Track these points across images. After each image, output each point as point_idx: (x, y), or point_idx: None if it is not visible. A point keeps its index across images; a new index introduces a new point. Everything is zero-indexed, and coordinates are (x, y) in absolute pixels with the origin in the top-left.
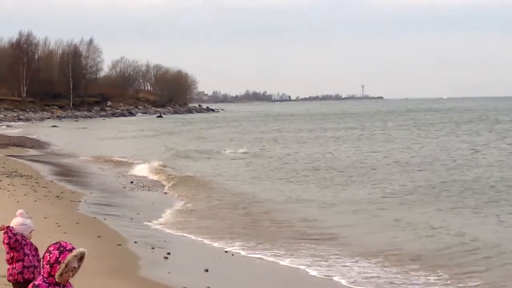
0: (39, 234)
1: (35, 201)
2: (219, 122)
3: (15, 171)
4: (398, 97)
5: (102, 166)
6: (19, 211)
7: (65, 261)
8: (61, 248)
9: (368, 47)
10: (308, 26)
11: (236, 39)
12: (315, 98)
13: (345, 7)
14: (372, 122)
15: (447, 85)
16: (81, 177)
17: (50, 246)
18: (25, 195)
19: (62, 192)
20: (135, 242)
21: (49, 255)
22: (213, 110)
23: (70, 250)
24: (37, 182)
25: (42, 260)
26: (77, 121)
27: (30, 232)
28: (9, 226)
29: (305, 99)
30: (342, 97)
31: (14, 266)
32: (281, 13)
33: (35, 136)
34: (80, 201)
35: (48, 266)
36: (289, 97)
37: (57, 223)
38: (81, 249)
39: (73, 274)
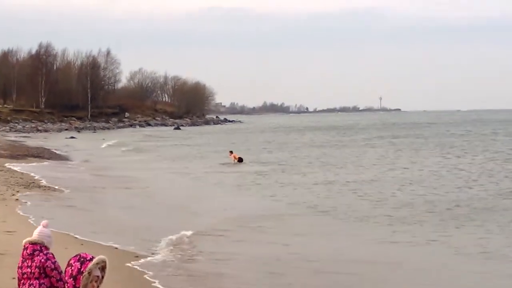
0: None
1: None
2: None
3: (33, 182)
4: (416, 109)
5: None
6: (44, 221)
7: (87, 269)
8: (82, 259)
9: (386, 58)
10: (325, 37)
11: (254, 50)
12: (333, 110)
13: (363, 18)
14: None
15: (466, 97)
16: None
17: (70, 260)
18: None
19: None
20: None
21: (71, 268)
22: (230, 122)
23: (91, 260)
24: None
25: (64, 275)
26: (95, 132)
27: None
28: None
29: (322, 111)
30: (360, 109)
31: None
32: (298, 23)
33: (53, 147)
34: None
35: (72, 279)
36: (307, 108)
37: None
38: (102, 257)
39: (98, 285)
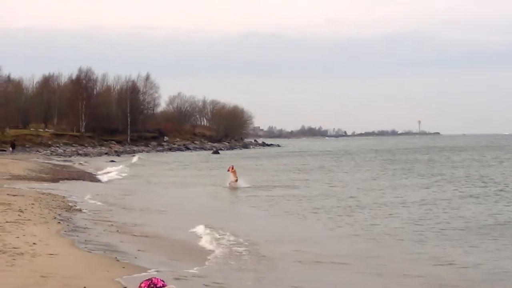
0: None
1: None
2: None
3: (74, 205)
4: (455, 133)
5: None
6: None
7: None
8: (152, 285)
9: (425, 82)
10: (363, 61)
11: (292, 74)
12: (371, 134)
13: (402, 43)
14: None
15: (507, 121)
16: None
17: (141, 283)
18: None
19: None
20: None
21: None
22: (268, 145)
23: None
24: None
25: None
26: (134, 155)
27: None
28: None
29: (360, 134)
30: (398, 132)
31: None
32: (334, 47)
33: (93, 170)
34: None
35: None
36: (345, 132)
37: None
38: (173, 286)
39: None
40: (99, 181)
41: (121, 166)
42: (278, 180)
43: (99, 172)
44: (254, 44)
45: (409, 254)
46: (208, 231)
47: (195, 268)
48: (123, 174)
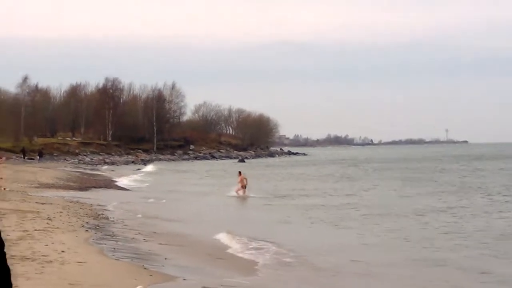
0: None
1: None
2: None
3: (102, 213)
4: (484, 141)
5: None
6: (139, 286)
7: None
8: None
9: (452, 90)
10: (389, 69)
11: (317, 82)
12: (398, 142)
13: (426, 48)
14: None
15: None
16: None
17: None
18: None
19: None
20: None
21: None
22: (294, 154)
23: None
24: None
25: None
26: (148, 164)
27: None
28: None
29: (387, 143)
30: (426, 141)
31: None
32: (358, 54)
33: (119, 179)
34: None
35: None
36: (371, 140)
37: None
38: None
39: None
40: (125, 189)
41: (143, 174)
42: (304, 189)
43: (124, 180)
44: (281, 52)
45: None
46: (234, 238)
47: (245, 278)
48: (147, 183)
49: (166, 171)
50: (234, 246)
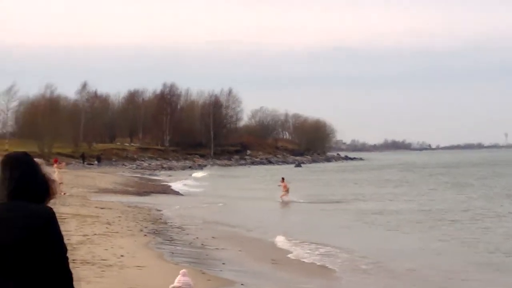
0: None
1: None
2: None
3: (159, 218)
4: None
5: None
6: (182, 270)
7: None
8: None
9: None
10: (447, 72)
11: (376, 86)
12: (456, 147)
13: (486, 52)
14: None
15: None
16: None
17: None
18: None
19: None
20: None
21: None
22: (351, 159)
23: None
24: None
25: None
26: (217, 169)
27: None
28: None
29: (445, 147)
30: (485, 145)
31: None
32: (416, 58)
33: (176, 184)
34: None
35: None
36: (429, 145)
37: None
38: None
39: None
40: (182, 194)
41: (199, 179)
42: (362, 194)
43: (181, 186)
44: (337, 57)
45: None
46: (294, 243)
47: (328, 284)
48: (203, 188)
49: (221, 176)
50: (296, 251)
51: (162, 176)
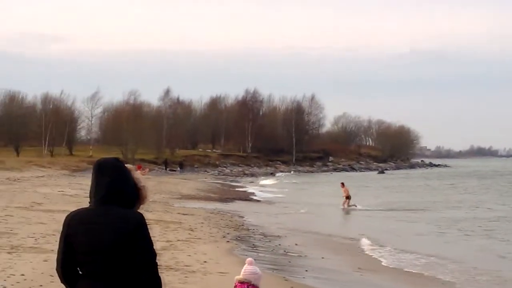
0: None
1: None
2: None
3: (242, 225)
4: None
5: None
6: (248, 259)
7: None
8: None
9: None
10: None
11: (460, 92)
12: None
13: None
14: None
15: None
16: None
17: None
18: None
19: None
20: None
21: None
22: (436, 166)
23: None
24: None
25: None
26: (299, 176)
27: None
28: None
29: None
30: None
31: None
32: (501, 62)
33: (258, 190)
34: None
35: None
36: None
37: None
38: None
39: None
40: (264, 201)
41: (280, 186)
42: (449, 201)
43: (262, 192)
44: (420, 61)
45: None
46: (383, 250)
47: None
48: (285, 195)
49: (303, 183)
50: (386, 259)
51: (244, 183)
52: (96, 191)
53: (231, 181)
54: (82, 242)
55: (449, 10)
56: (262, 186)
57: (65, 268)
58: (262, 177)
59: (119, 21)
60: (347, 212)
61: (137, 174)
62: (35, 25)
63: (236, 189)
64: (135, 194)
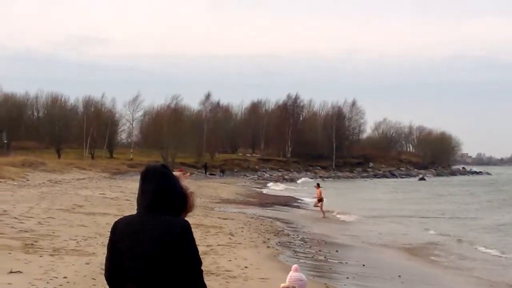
0: None
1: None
2: None
3: (282, 230)
4: None
5: None
6: (294, 265)
7: None
8: None
9: None
10: None
11: (503, 98)
12: None
13: None
14: None
15: None
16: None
17: None
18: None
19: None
20: None
21: None
22: (477, 173)
23: None
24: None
25: None
26: (339, 181)
27: None
28: None
29: None
30: None
31: None
32: None
33: (297, 195)
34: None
35: None
36: None
37: None
38: None
39: None
40: (303, 206)
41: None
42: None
43: (301, 197)
44: (463, 67)
45: None
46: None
47: None
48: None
49: (343, 189)
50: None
51: (283, 188)
52: (143, 198)
53: (271, 186)
54: (128, 248)
55: (493, 15)
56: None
57: (112, 274)
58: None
59: (162, 26)
60: (320, 215)
61: (185, 181)
62: (79, 28)
63: (276, 194)
64: (182, 202)
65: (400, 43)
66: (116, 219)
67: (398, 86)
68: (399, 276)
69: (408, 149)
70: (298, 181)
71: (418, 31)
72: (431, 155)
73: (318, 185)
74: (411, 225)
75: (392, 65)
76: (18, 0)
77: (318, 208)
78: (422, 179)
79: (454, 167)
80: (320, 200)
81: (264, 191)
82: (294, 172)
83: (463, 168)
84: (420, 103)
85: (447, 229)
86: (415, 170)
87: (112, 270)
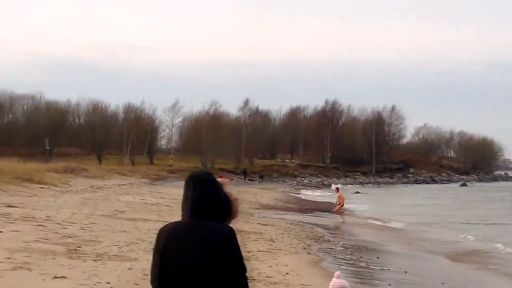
0: None
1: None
2: None
3: (322, 236)
4: None
5: None
6: (337, 272)
7: None
8: None
9: None
10: None
11: None
12: None
13: None
14: None
15: None
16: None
17: None
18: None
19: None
20: None
21: None
22: None
23: None
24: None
25: None
26: (379, 187)
27: None
28: None
29: None
30: None
31: None
32: None
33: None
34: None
35: None
36: None
37: None
38: None
39: None
40: (349, 214)
41: (360, 197)
42: None
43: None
44: (505, 71)
45: None
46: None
47: None
48: (366, 205)
49: (383, 195)
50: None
51: (322, 193)
52: (187, 205)
53: (310, 191)
54: (174, 255)
55: None
56: (352, 196)
57: (158, 281)
58: (361, 189)
59: (199, 33)
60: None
61: (229, 188)
62: (119, 36)
63: (316, 199)
64: (226, 208)
65: (442, 49)
66: (157, 225)
67: (438, 91)
68: (442, 283)
69: (449, 155)
70: (332, 187)
71: (462, 37)
72: (473, 160)
73: (337, 189)
74: (455, 231)
75: (433, 71)
76: (60, 8)
77: (339, 214)
78: (464, 185)
79: (496, 172)
80: (340, 204)
81: (303, 196)
82: (334, 178)
83: (505, 173)
84: (461, 107)
85: (492, 235)
86: (456, 175)
87: (158, 277)
